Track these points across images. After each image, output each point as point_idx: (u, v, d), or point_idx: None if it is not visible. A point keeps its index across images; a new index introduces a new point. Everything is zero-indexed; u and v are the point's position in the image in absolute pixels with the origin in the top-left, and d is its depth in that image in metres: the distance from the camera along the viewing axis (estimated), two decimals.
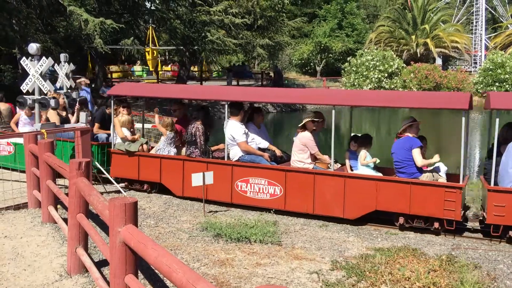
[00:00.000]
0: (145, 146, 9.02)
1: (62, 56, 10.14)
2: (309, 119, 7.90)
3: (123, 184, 9.09)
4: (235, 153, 8.16)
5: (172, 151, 8.77)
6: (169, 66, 38.34)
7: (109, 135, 9.53)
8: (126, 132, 8.96)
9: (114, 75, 32.70)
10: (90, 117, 10.19)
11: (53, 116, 9.69)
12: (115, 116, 9.11)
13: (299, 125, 7.99)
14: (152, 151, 8.97)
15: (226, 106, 8.18)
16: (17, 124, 10.52)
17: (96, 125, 9.87)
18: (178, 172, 8.40)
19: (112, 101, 9.11)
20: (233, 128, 8.08)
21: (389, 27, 52.35)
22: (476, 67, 51.36)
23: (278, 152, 8.40)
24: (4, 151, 10.18)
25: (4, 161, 9.78)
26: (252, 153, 8.08)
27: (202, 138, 8.35)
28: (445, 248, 6.34)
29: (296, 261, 5.61)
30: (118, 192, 8.70)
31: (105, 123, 9.93)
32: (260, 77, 38.61)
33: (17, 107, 10.62)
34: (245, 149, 8.05)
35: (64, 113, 10.06)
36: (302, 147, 7.76)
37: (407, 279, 5.03)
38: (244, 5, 28.42)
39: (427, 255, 5.92)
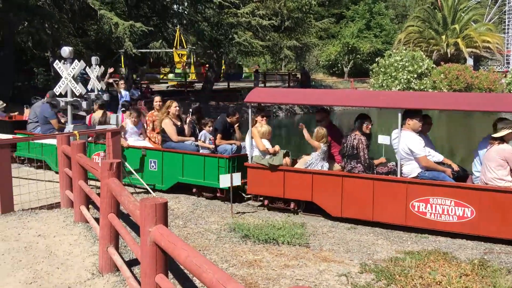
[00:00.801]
0: (287, 159, 8.10)
1: (93, 59, 10.35)
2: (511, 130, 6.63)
3: (258, 203, 8.36)
4: (412, 169, 7.16)
5: (325, 165, 7.86)
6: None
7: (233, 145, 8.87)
8: (267, 144, 8.08)
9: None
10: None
11: (169, 126, 9.00)
12: (252, 125, 8.24)
13: (494, 135, 6.71)
14: (298, 165, 8.05)
15: (400, 114, 7.06)
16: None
17: (219, 136, 8.97)
18: (336, 189, 7.46)
19: (250, 110, 8.27)
20: (411, 140, 7.07)
21: (419, 27, 51.54)
22: (508, 67, 50.09)
23: (455, 167, 7.37)
24: None
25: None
26: (433, 169, 7.08)
27: (366, 152, 7.39)
28: (477, 252, 6.20)
29: (324, 263, 5.58)
30: (147, 192, 8.82)
31: (227, 133, 9.16)
32: (287, 79, 38.58)
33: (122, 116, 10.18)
34: (427, 164, 7.05)
35: (179, 123, 9.24)
36: (502, 162, 6.62)
37: (438, 283, 4.95)
38: (271, 7, 28.41)
39: (458, 259, 5.81)
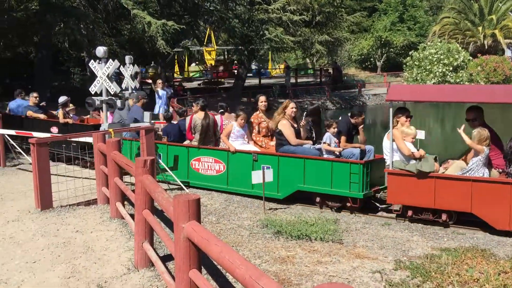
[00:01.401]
0: (437, 165, 7.25)
1: (127, 58, 10.52)
2: None
3: (393, 214, 7.57)
4: None
5: (486, 172, 6.98)
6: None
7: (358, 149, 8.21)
8: (412, 148, 7.39)
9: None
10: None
11: (287, 128, 8.37)
12: (393, 127, 7.49)
13: None
14: (451, 171, 7.21)
15: None
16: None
17: (343, 138, 8.32)
18: (502, 200, 6.62)
19: (390, 109, 7.42)
20: None
21: (454, 18, 50.18)
22: None
23: None
24: (212, 170, 9.09)
25: (212, 182, 8.99)
26: None
27: None
28: None
29: (358, 259, 5.53)
30: (181, 189, 8.92)
31: (350, 135, 8.47)
32: (319, 74, 38.31)
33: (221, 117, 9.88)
34: None
35: (295, 125, 8.58)
36: None
37: (475, 280, 4.83)
38: (302, 2, 28.17)
39: (497, 256, 5.65)
